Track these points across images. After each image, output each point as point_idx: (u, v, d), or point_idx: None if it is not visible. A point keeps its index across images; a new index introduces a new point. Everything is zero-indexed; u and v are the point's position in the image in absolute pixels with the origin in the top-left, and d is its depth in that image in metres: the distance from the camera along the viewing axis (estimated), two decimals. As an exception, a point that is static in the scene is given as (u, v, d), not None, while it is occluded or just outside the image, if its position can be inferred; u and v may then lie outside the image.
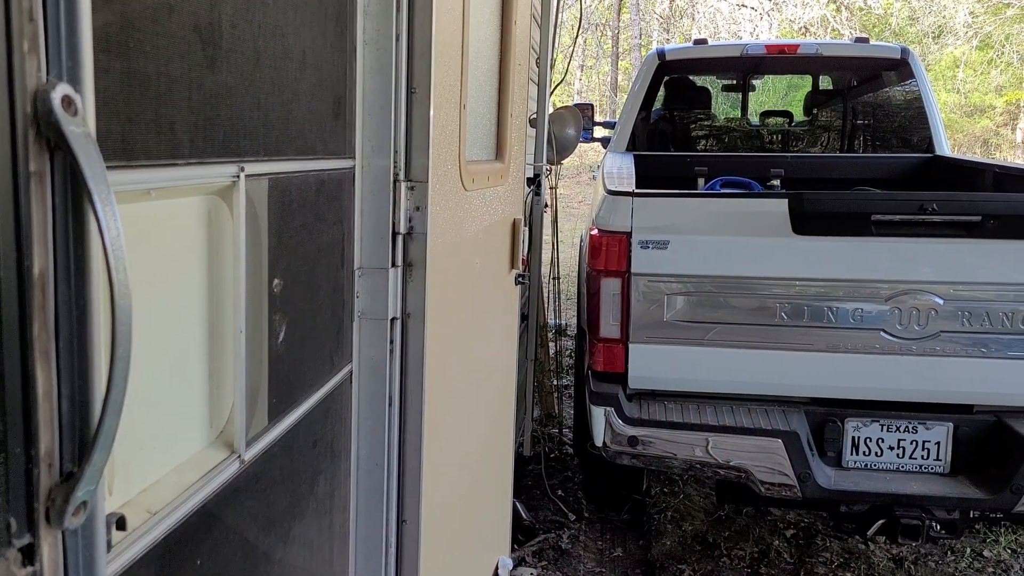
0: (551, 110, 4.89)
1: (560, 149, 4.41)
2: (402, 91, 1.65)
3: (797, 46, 6.34)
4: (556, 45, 4.50)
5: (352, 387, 1.66)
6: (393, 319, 1.71)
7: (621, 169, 4.41)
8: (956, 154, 5.88)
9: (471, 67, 2.07)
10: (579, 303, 4.98)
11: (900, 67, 6.07)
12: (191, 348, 1.13)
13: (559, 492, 4.83)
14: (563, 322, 8.22)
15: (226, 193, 1.15)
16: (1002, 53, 24.14)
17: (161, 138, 0.96)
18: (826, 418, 3.41)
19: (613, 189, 3.52)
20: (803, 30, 24.03)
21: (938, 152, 5.78)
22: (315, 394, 1.48)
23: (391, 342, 1.70)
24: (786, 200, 3.29)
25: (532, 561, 4.05)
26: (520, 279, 2.55)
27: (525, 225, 4.29)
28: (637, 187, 3.64)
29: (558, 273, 6.03)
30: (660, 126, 7.06)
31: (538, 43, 4.34)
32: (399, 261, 1.70)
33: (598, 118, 7.33)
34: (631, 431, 3.38)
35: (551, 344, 6.21)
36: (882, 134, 6.74)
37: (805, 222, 3.27)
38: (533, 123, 4.35)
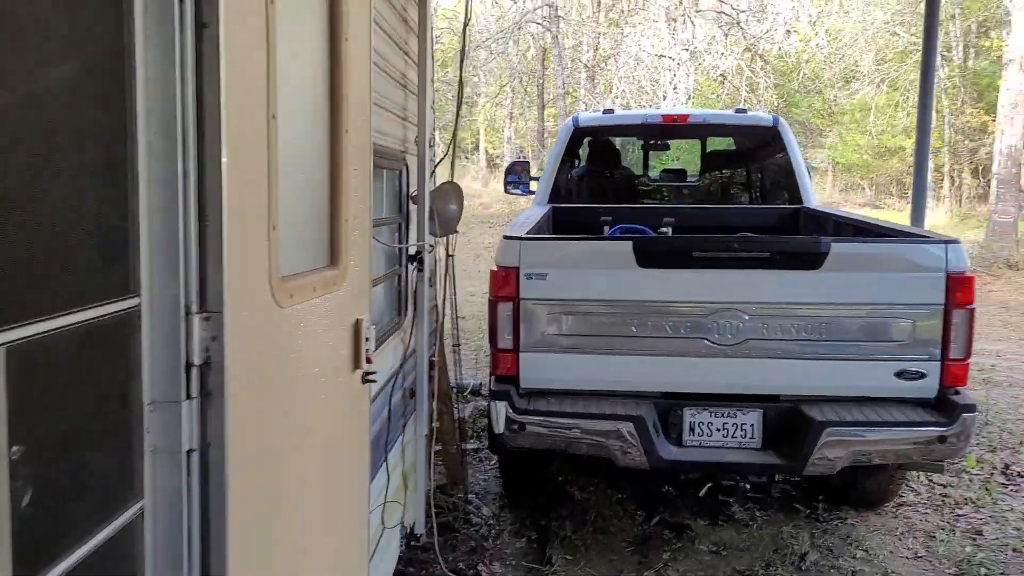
0: (440, 183, 4.95)
1: (443, 222, 4.48)
2: (192, 226, 1.66)
3: (687, 116, 7.71)
4: (433, 124, 4.55)
5: (144, 525, 1.64)
6: (190, 451, 1.69)
7: (527, 220, 5.53)
8: (817, 206, 7.14)
9: (291, 179, 2.09)
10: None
11: (772, 133, 7.19)
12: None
13: (460, 565, 4.78)
14: (478, 382, 8.18)
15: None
16: (908, 97, 25.27)
17: None
18: (670, 407, 4.41)
19: (507, 235, 4.52)
20: (720, 78, 24.78)
21: (804, 204, 7.07)
22: (92, 539, 1.45)
23: (188, 475, 1.68)
24: (631, 243, 4.34)
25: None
26: (368, 377, 2.56)
27: (411, 307, 4.32)
28: (528, 233, 4.66)
29: (458, 340, 6.06)
30: (576, 182, 8.15)
31: (416, 118, 4.41)
32: (195, 393, 1.69)
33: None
34: (520, 419, 4.32)
35: (456, 408, 6.19)
36: (760, 189, 7.90)
37: (646, 258, 4.31)
38: (415, 200, 4.39)
